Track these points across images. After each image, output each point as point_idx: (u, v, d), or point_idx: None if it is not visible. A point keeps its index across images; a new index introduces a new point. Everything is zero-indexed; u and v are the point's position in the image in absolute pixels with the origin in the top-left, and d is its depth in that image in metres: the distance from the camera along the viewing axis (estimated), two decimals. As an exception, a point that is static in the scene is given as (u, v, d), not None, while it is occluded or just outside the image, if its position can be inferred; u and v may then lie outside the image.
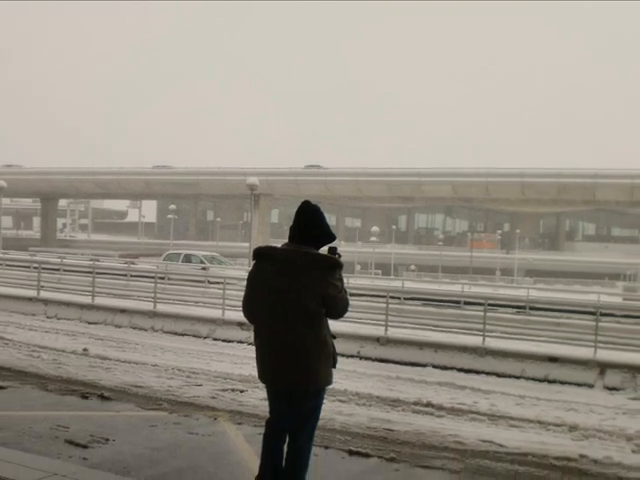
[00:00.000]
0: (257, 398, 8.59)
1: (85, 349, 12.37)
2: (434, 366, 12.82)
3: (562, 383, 11.99)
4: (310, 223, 4.42)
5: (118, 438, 6.57)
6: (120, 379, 9.80)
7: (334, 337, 4.49)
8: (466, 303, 21.65)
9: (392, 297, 17.72)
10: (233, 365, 11.89)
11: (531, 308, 21.77)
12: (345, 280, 4.67)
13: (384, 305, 15.17)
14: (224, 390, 9.52)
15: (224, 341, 14.94)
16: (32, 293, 19.15)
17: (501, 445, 7.36)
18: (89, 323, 16.73)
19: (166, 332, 15.84)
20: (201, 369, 11.25)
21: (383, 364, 13.05)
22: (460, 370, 12.65)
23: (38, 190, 76.52)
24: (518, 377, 12.26)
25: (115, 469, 5.57)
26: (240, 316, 4.88)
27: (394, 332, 14.29)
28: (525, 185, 53.91)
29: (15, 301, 18.85)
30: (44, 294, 19.05)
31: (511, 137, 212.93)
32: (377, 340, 13.90)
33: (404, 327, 15.37)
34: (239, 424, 7.58)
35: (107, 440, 6.45)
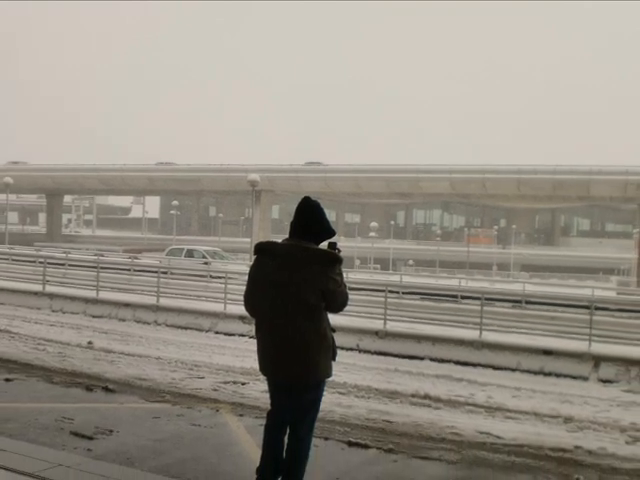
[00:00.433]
0: (258, 390, 8.59)
1: (90, 342, 12.38)
2: (432, 359, 12.82)
3: (557, 376, 11.99)
4: (310, 219, 4.42)
5: (122, 429, 6.58)
6: (124, 372, 9.80)
7: (334, 330, 4.49)
8: (463, 297, 21.64)
9: (391, 291, 17.71)
10: (235, 358, 11.89)
11: (527, 302, 21.77)
12: (344, 275, 4.67)
13: (383, 299, 15.16)
14: (226, 382, 9.52)
15: (226, 334, 14.94)
16: (38, 287, 19.13)
17: (497, 436, 7.36)
18: (93, 317, 16.73)
19: (169, 325, 15.84)
20: (203, 362, 11.25)
21: (382, 357, 13.05)
22: (457, 363, 12.65)
23: (43, 186, 76.44)
24: (514, 370, 12.26)
25: (119, 460, 5.57)
26: (241, 310, 4.87)
27: (393, 326, 14.29)
28: (521, 181, 53.85)
29: (21, 295, 18.85)
30: (49, 288, 19.05)
31: (508, 134, 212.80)
32: (376, 333, 13.90)
33: (402, 321, 15.36)
34: (241, 416, 7.58)
35: (111, 431, 6.46)
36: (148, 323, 16.09)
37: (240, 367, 10.78)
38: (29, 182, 69.96)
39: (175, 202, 78.40)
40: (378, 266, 63.15)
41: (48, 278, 19.71)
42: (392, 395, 9.40)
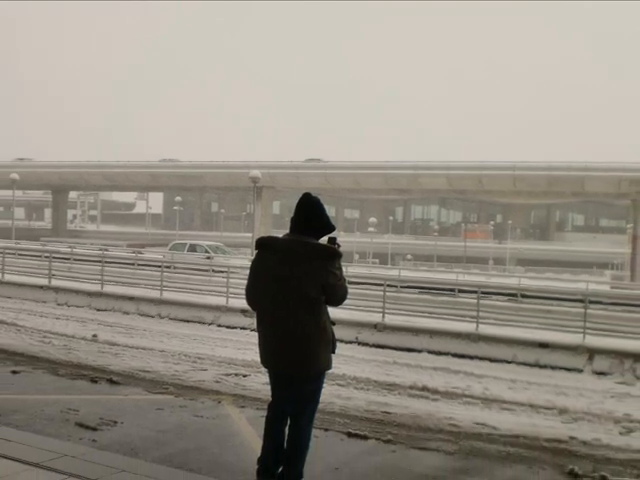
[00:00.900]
0: (259, 382, 8.59)
1: (94, 335, 12.37)
2: (429, 351, 12.82)
3: (552, 368, 11.99)
4: (310, 214, 4.41)
5: (126, 421, 6.57)
6: (128, 364, 9.80)
7: (333, 323, 4.49)
8: (460, 291, 21.62)
9: (389, 285, 17.70)
10: (237, 350, 11.89)
11: (522, 296, 21.75)
12: (344, 269, 4.66)
13: (381, 293, 15.16)
14: (228, 375, 9.52)
15: (228, 327, 14.94)
16: (43, 281, 19.13)
17: (494, 427, 7.36)
18: (98, 310, 16.73)
19: (172, 319, 15.83)
20: (206, 354, 11.25)
21: (380, 350, 13.05)
22: (454, 355, 12.65)
23: (49, 183, 76.36)
24: (510, 362, 12.26)
25: (123, 450, 5.57)
26: (243, 303, 4.86)
27: (391, 319, 14.29)
28: (517, 178, 53.80)
29: (27, 289, 18.85)
30: (55, 282, 19.04)
31: (506, 133, 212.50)
32: (375, 327, 13.90)
33: (400, 314, 15.36)
34: (242, 407, 7.58)
35: (115, 423, 6.45)
36: (152, 316, 16.09)
37: (242, 359, 10.78)
38: (35, 178, 69.90)
39: (178, 198, 78.29)
40: (377, 260, 63.14)
41: (54, 272, 19.70)
42: (391, 387, 9.40)
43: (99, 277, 18.55)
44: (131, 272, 24.54)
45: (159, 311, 16.29)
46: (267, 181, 52.87)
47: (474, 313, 13.84)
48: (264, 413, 4.71)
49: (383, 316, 14.23)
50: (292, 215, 4.46)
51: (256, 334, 4.56)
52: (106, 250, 34.24)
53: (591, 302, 14.88)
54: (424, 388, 9.34)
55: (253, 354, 9.90)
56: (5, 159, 72.69)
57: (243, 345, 12.34)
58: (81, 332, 12.78)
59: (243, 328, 14.49)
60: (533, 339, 12.74)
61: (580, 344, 12.35)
